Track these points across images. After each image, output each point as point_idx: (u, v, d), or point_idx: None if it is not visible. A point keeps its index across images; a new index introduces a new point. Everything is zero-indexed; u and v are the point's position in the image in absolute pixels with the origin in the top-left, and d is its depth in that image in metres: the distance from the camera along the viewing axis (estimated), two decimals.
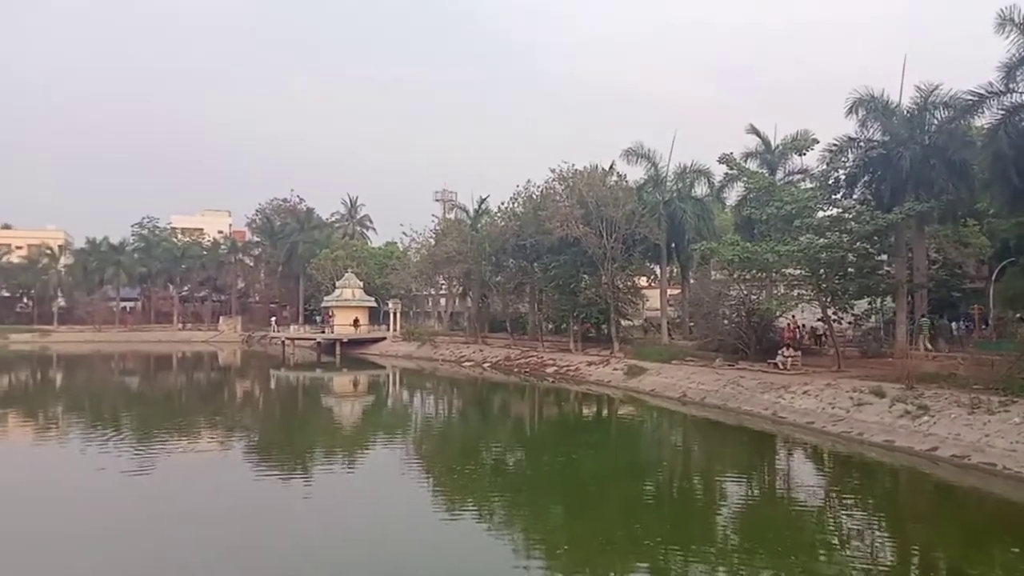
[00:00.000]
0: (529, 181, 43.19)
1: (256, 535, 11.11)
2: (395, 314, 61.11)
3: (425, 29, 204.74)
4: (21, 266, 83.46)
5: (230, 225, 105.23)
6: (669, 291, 44.32)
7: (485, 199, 56.64)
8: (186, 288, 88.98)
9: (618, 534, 11.16)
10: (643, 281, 48.06)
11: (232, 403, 30.94)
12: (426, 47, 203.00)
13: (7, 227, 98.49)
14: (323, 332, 61.14)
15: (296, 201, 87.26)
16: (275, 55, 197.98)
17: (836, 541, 11.19)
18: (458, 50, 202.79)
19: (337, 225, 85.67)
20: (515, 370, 39.40)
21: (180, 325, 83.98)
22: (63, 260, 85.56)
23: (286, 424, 25.22)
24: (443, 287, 66.61)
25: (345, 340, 56.83)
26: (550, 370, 37.13)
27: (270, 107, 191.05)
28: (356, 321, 60.15)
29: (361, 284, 63.83)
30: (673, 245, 41.18)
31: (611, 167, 40.85)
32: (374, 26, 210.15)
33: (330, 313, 63.10)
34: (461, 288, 58.60)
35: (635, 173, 40.86)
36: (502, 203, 46.67)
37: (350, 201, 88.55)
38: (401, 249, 70.36)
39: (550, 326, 45.98)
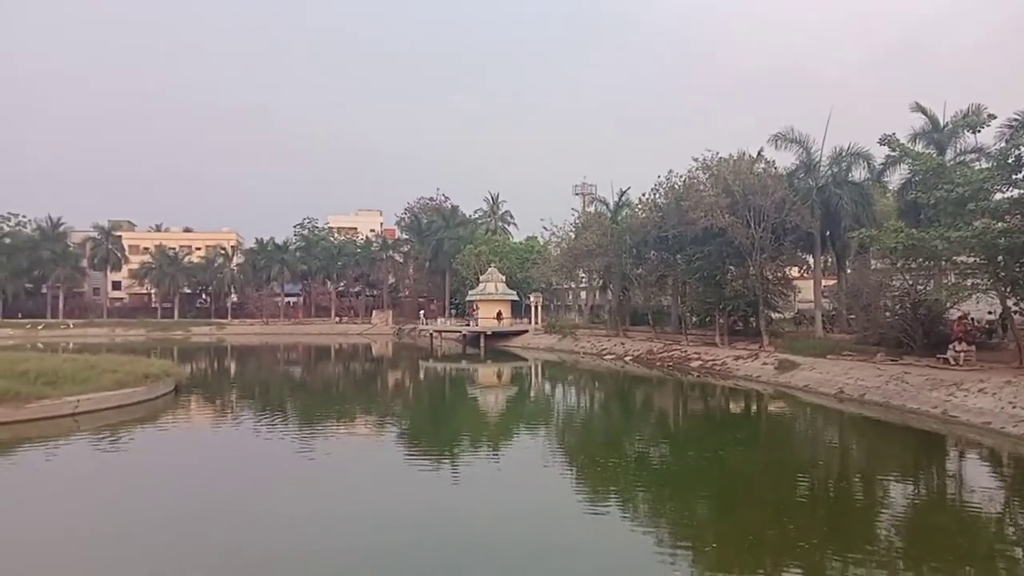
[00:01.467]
0: (671, 171, 42.28)
1: (405, 519, 11.64)
2: (536, 307, 61.82)
3: (571, 40, 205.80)
4: (200, 265, 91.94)
5: (381, 224, 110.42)
6: (824, 282, 41.93)
7: (625, 191, 56.04)
8: (342, 284, 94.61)
9: (769, 533, 10.73)
10: (795, 272, 45.72)
11: (385, 392, 32.56)
12: (572, 60, 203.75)
13: (188, 230, 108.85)
14: (468, 325, 62.90)
15: (441, 199, 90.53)
16: (435, 74, 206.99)
17: (1020, 553, 10.18)
18: (605, 60, 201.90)
19: (480, 221, 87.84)
20: (658, 364, 38.75)
21: (337, 318, 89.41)
22: (235, 259, 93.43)
23: (434, 413, 26.22)
24: (583, 280, 66.63)
25: (489, 333, 58.17)
26: (694, 364, 36.21)
27: (426, 118, 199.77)
28: (499, 314, 61.44)
29: (503, 278, 65.10)
30: (828, 233, 38.87)
31: (759, 153, 39.21)
32: (517, 39, 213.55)
33: (474, 306, 64.83)
34: (601, 281, 58.36)
35: (785, 159, 39.01)
36: (643, 194, 46.00)
37: (492, 198, 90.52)
38: (542, 243, 71.10)
39: (694, 319, 44.80)
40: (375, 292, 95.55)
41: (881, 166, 37.12)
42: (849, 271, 39.33)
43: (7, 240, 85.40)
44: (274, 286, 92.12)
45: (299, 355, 55.48)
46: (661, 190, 42.85)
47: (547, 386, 35.65)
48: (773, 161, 39.01)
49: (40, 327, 77.89)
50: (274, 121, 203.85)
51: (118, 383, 22.39)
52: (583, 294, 72.36)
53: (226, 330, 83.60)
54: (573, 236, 56.47)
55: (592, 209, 63.06)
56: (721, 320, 40.25)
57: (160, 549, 9.87)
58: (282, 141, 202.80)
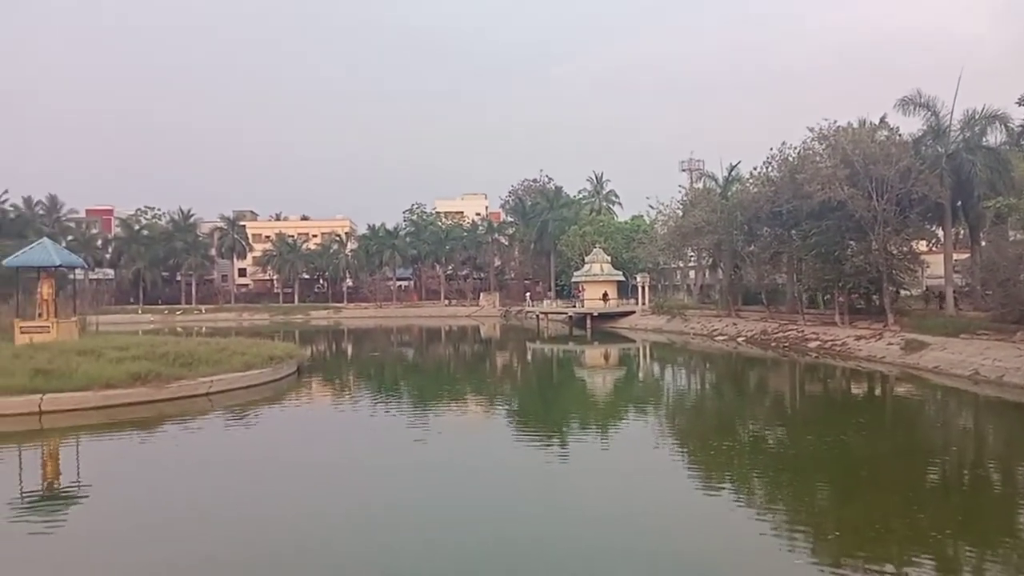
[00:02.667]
0: (784, 143, 40.41)
1: (516, 498, 11.83)
2: (643, 287, 60.96)
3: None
4: (317, 252, 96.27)
5: (486, 207, 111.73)
6: (955, 256, 39.09)
7: (735, 165, 54.27)
8: (450, 267, 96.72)
9: (896, 523, 10.19)
10: (922, 245, 42.87)
11: (494, 373, 33.09)
12: (684, 22, 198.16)
13: (305, 218, 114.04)
14: (574, 306, 62.85)
15: (545, 181, 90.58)
16: (535, 49, 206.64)
17: None
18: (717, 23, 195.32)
19: (584, 202, 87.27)
20: (772, 344, 37.43)
21: (446, 301, 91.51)
22: (349, 245, 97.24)
23: (543, 394, 26.42)
24: (692, 259, 65.10)
25: (595, 314, 57.92)
26: (812, 344, 34.74)
27: (528, 95, 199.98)
28: (605, 295, 61.03)
29: (609, 259, 64.53)
30: (959, 203, 36.22)
31: (881, 120, 36.92)
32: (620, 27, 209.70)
33: (580, 288, 64.70)
34: (711, 260, 56.81)
35: (910, 125, 36.49)
36: (754, 168, 44.32)
37: (596, 177, 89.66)
38: (648, 222, 69.91)
39: (810, 298, 42.85)
40: (482, 275, 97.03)
41: (1021, 128, 34.09)
42: (984, 244, 36.54)
43: (145, 232, 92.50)
44: (386, 270, 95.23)
45: (411, 337, 57.20)
46: (774, 163, 41.08)
47: (656, 367, 35.17)
48: (897, 128, 36.65)
49: (178, 313, 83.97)
50: (379, 107, 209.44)
51: (246, 365, 23.84)
52: (692, 273, 70.74)
53: (342, 313, 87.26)
54: (681, 214, 55.16)
55: (700, 185, 61.40)
56: (841, 298, 38.33)
57: (299, 519, 10.47)
58: (388, 126, 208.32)
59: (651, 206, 66.67)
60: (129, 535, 10.00)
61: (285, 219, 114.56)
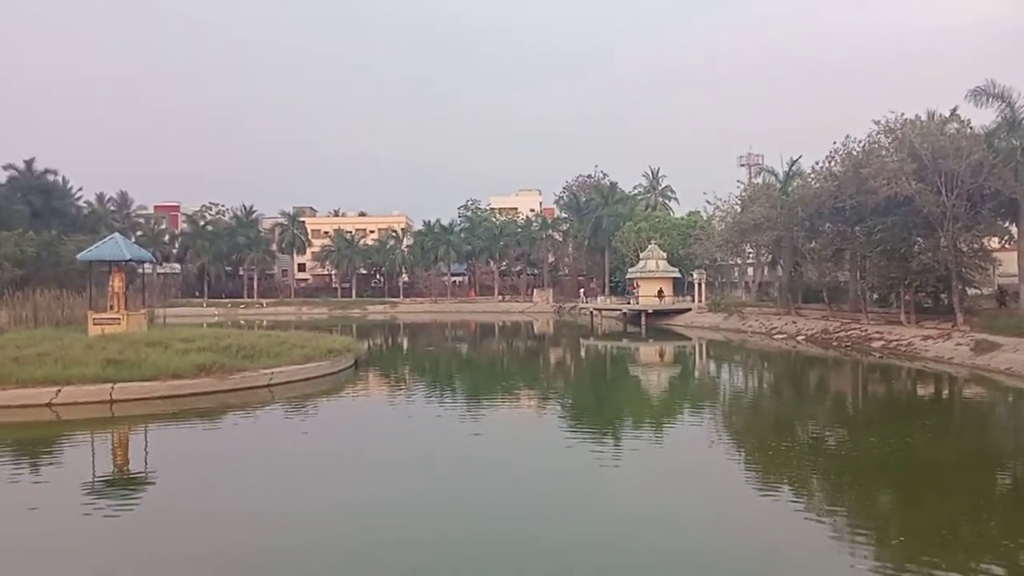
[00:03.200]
0: (848, 136, 39.23)
1: (568, 497, 11.82)
2: (700, 285, 60.03)
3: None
4: (374, 247, 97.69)
5: (540, 203, 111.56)
6: None
7: (796, 160, 52.93)
8: (504, 263, 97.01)
9: (965, 529, 9.84)
10: (994, 242, 41.09)
11: (547, 369, 33.09)
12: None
13: (363, 214, 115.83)
14: (628, 303, 62.32)
15: (600, 176, 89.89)
16: (592, 44, 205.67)
17: None
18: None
19: (640, 197, 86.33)
20: (834, 344, 36.47)
21: (500, 297, 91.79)
22: (405, 241, 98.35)
23: (596, 391, 26.31)
24: (750, 256, 63.83)
25: (650, 311, 57.32)
26: (876, 344, 33.72)
27: (584, 91, 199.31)
28: (660, 292, 60.31)
29: (664, 255, 63.73)
30: None
31: (952, 112, 35.49)
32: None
33: (635, 284, 64.11)
34: (770, 256, 55.57)
35: (983, 118, 35.00)
36: (816, 163, 43.10)
37: (652, 172, 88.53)
38: (705, 218, 68.76)
39: (874, 296, 41.55)
40: (536, 271, 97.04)
41: None
42: None
43: (210, 228, 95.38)
44: (441, 266, 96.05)
45: (465, 332, 57.61)
46: (837, 157, 39.86)
47: (712, 366, 34.64)
48: (968, 120, 35.18)
49: (240, 306, 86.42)
50: (435, 107, 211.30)
51: (305, 357, 24.41)
52: (750, 270, 69.33)
53: (398, 308, 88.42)
54: (739, 209, 54.08)
55: (760, 180, 60.05)
56: (907, 297, 37.07)
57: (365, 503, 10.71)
58: (444, 125, 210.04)
59: (708, 201, 65.50)
60: (194, 521, 10.36)
61: (343, 215, 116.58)
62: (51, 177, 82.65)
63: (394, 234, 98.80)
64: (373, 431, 17.58)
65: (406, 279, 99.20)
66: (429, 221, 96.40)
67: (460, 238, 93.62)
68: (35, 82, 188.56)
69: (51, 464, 14.24)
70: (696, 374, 31.08)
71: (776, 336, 42.28)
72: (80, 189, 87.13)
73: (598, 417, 19.96)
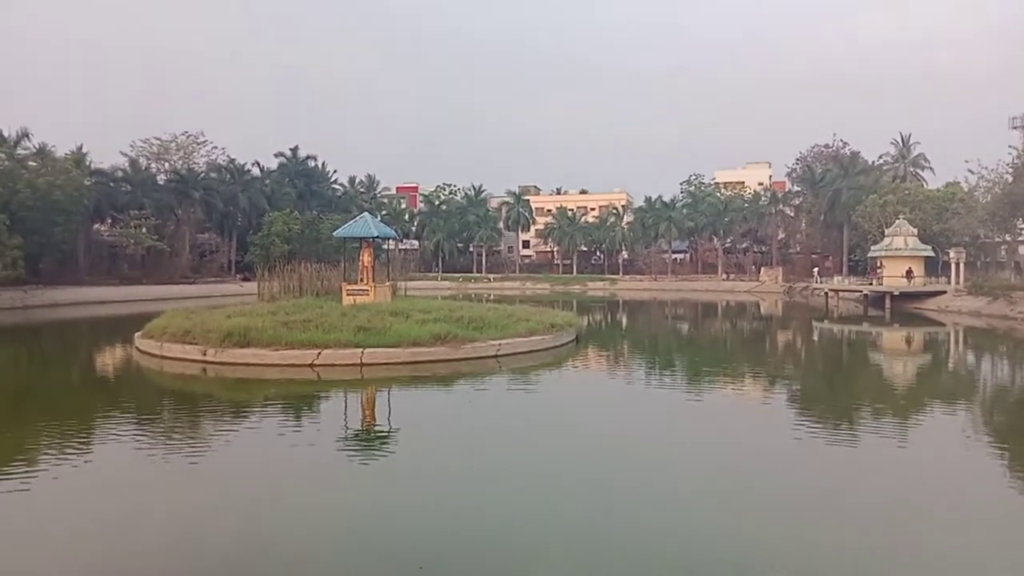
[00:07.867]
0: None
1: (796, 487, 11.25)
2: (958, 265, 53.45)
3: None
4: (594, 225, 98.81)
5: (770, 176, 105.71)
6: None
7: None
8: (729, 240, 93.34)
9: None
10: None
11: (775, 352, 31.45)
12: None
13: (584, 192, 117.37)
14: (870, 284, 57.33)
15: (839, 146, 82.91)
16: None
17: None
18: None
19: (886, 168, 78.53)
20: None
21: (724, 275, 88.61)
22: (626, 218, 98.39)
23: (829, 378, 24.54)
24: (1022, 232, 55.51)
25: (896, 293, 52.23)
26: None
27: (825, 51, 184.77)
28: (909, 272, 54.57)
29: (915, 232, 57.47)
30: None
31: None
32: None
33: (878, 263, 58.66)
34: None
35: None
36: None
37: (902, 140, 79.93)
38: (966, 190, 60.87)
39: None
40: (763, 248, 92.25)
41: None
42: None
43: (443, 207, 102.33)
44: (661, 243, 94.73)
45: (686, 311, 56.42)
46: None
47: (970, 356, 30.78)
48: None
49: (471, 281, 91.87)
50: (656, 82, 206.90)
51: (529, 331, 25.40)
52: (1021, 249, 60.33)
53: (618, 285, 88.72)
54: (1010, 179, 47.20)
55: None
56: None
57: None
58: (666, 98, 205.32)
59: (971, 171, 57.58)
60: (435, 477, 11.33)
61: (565, 193, 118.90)
62: (311, 163, 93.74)
63: (615, 211, 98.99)
64: (594, 405, 17.91)
65: (626, 256, 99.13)
66: (650, 197, 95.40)
67: (682, 214, 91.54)
68: (307, 81, 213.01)
69: (320, 415, 16.41)
70: (950, 365, 27.79)
71: None
72: (335, 171, 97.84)
73: (831, 405, 18.60)
